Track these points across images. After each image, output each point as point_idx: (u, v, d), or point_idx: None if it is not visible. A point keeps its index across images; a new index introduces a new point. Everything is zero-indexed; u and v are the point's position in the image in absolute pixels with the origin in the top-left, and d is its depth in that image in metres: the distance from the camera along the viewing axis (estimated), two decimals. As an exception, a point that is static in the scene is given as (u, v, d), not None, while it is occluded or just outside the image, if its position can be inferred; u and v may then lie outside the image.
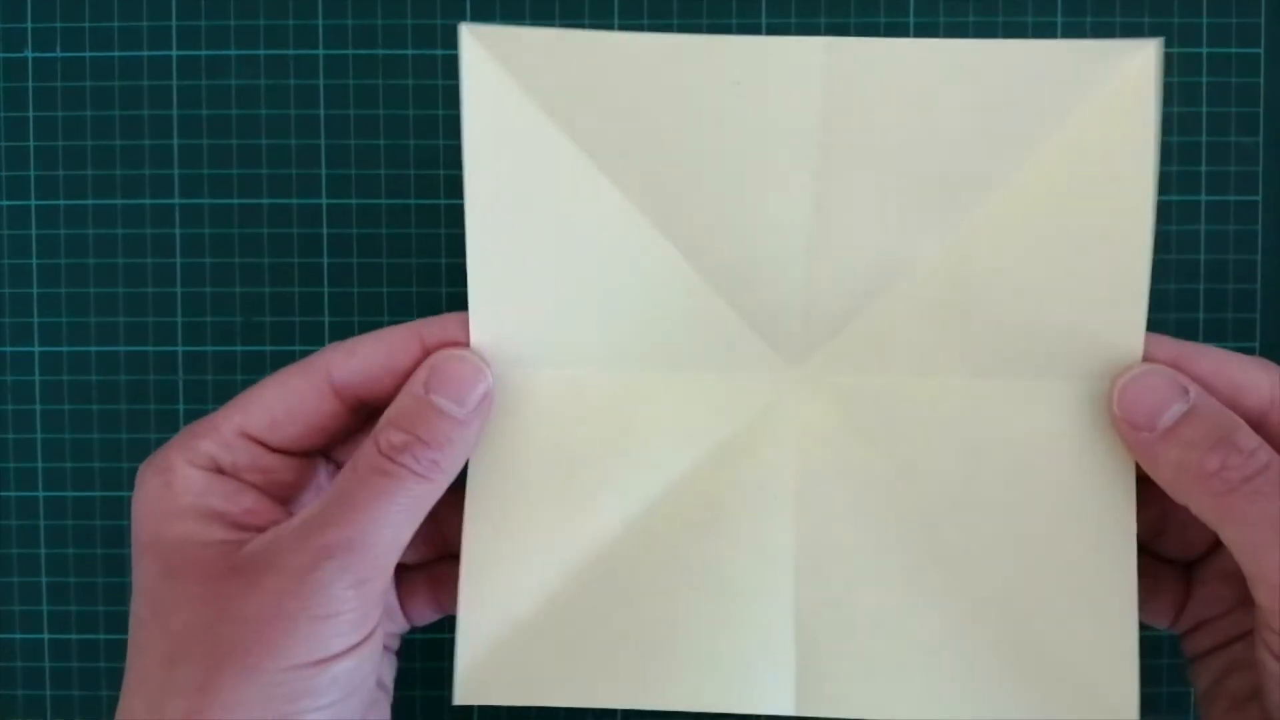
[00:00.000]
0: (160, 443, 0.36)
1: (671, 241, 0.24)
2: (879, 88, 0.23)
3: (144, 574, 0.26)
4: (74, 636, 0.37)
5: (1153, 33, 0.36)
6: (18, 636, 0.37)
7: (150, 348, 0.37)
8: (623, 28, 0.36)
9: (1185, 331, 0.36)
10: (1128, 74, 0.23)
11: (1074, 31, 0.36)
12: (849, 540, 0.24)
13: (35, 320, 0.37)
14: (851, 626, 0.24)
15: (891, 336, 0.24)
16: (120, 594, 0.37)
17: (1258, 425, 0.24)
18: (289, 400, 0.27)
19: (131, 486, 0.36)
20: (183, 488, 0.26)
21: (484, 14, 0.36)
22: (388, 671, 0.29)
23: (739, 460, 0.24)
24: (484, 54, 0.24)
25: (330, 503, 0.24)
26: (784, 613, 0.24)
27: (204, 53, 0.36)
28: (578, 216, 0.24)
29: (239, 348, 0.36)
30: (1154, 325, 0.36)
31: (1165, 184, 0.36)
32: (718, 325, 0.24)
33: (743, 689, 0.24)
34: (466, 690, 0.25)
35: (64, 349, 0.37)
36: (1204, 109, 0.36)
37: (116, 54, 0.36)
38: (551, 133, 0.24)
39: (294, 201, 0.36)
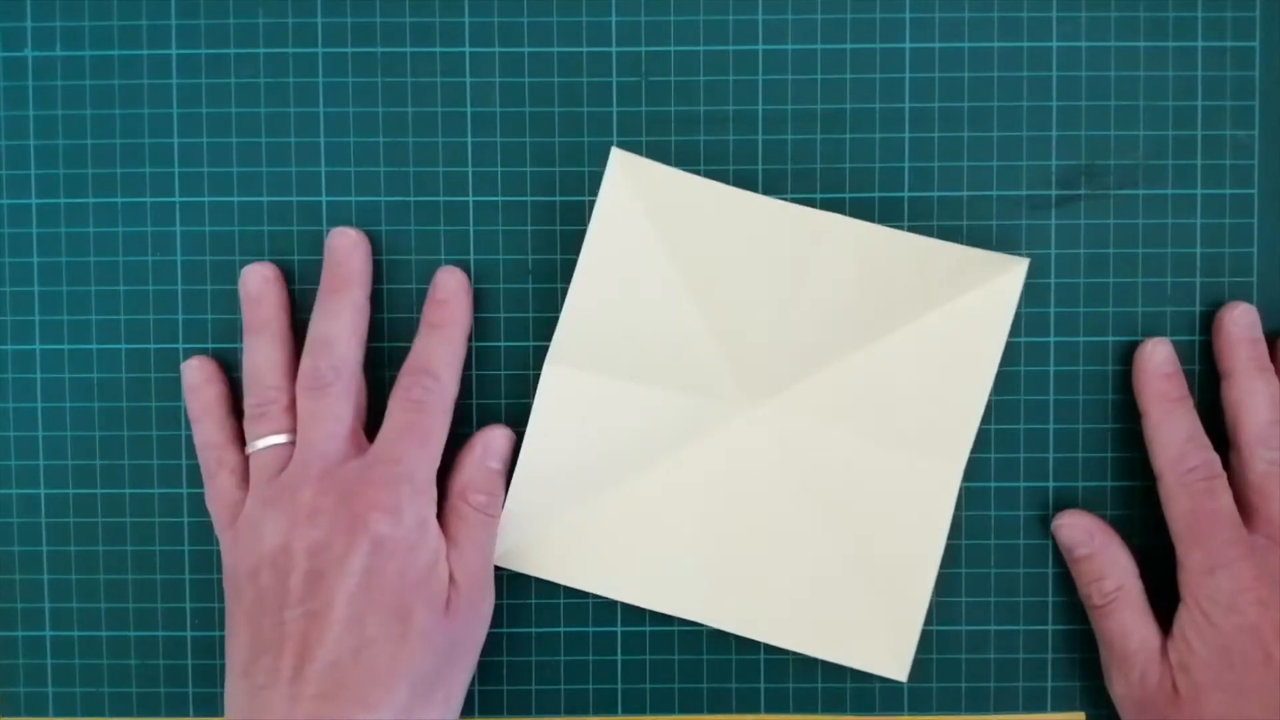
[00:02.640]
0: (162, 440, 0.37)
1: (709, 328, 0.36)
2: (845, 248, 0.35)
3: (410, 611, 0.33)
4: (76, 633, 0.37)
5: (1147, 27, 0.36)
6: (20, 634, 0.37)
7: (151, 345, 0.37)
8: (619, 22, 0.36)
9: (1181, 326, 0.36)
10: (1005, 278, 0.35)
11: (1069, 26, 0.36)
12: (765, 512, 0.36)
13: (37, 318, 0.37)
14: (741, 569, 0.36)
15: (817, 399, 0.36)
16: (121, 590, 0.37)
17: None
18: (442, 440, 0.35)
19: (132, 484, 0.37)
20: (434, 530, 0.34)
21: (483, 10, 0.36)
22: None
23: (711, 452, 0.36)
24: (622, 174, 0.35)
25: (459, 553, 0.34)
26: (712, 550, 0.36)
27: (203, 51, 0.36)
28: (650, 304, 0.36)
29: (239, 345, 0.37)
30: (1150, 318, 0.36)
31: (1161, 178, 0.36)
32: (717, 377, 0.36)
33: (676, 596, 0.36)
34: (500, 557, 0.36)
35: (65, 347, 0.37)
36: (1199, 103, 0.36)
37: (116, 52, 0.36)
38: (652, 238, 0.35)
39: (293, 199, 0.36)
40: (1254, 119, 0.36)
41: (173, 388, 0.37)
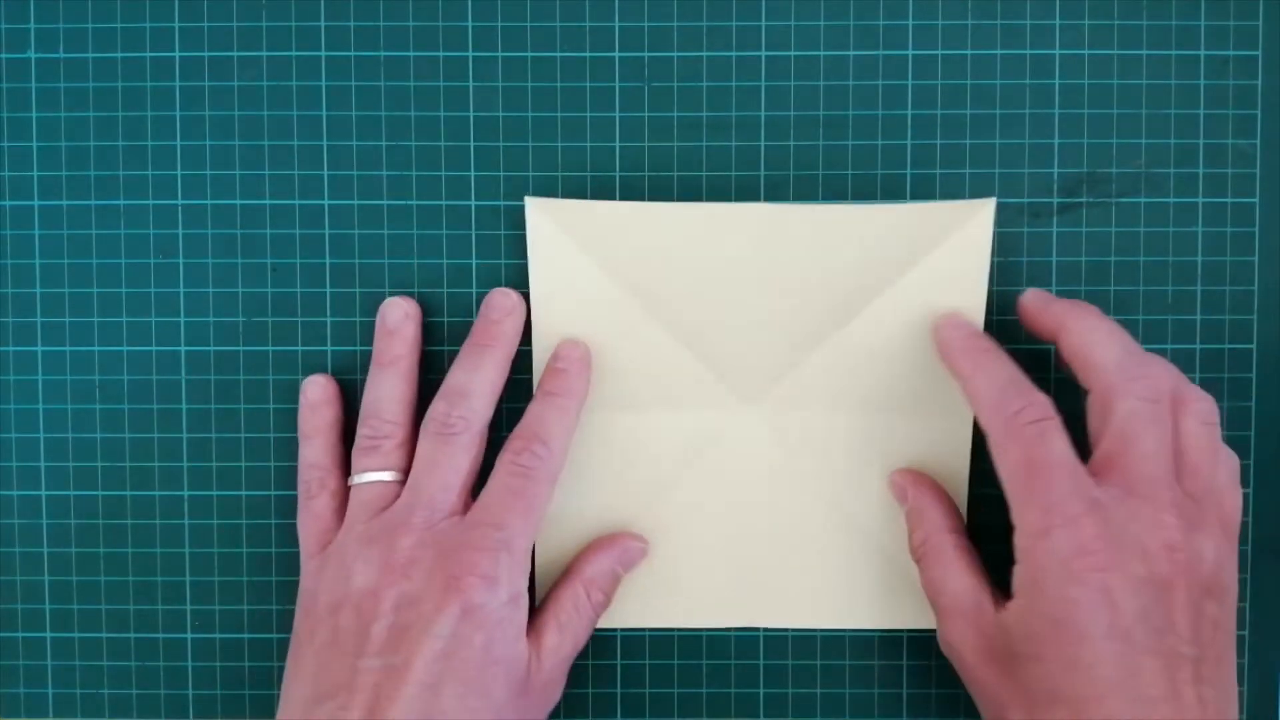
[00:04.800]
0: (163, 443, 0.37)
1: (683, 344, 0.36)
2: (801, 236, 0.35)
3: (490, 688, 0.32)
4: (76, 635, 0.37)
5: (1150, 35, 0.36)
6: (20, 635, 0.37)
7: (153, 347, 0.37)
8: (622, 28, 0.36)
9: (1182, 334, 0.37)
10: (973, 223, 0.35)
11: (1071, 34, 0.36)
12: (785, 506, 0.37)
13: (39, 320, 0.37)
14: (772, 565, 0.37)
15: (809, 387, 0.36)
16: (121, 592, 0.37)
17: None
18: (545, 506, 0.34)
19: (133, 486, 0.37)
20: (524, 607, 0.33)
21: (485, 14, 0.36)
22: None
23: (716, 464, 0.36)
24: (544, 219, 0.35)
25: (559, 638, 0.34)
26: (743, 556, 0.37)
27: (207, 54, 0.36)
28: (616, 336, 0.36)
29: (241, 347, 0.37)
30: (1151, 326, 0.36)
31: (1164, 186, 0.36)
32: (705, 388, 0.36)
33: (720, 609, 0.37)
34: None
35: (67, 349, 0.37)
36: (1201, 111, 0.36)
37: (119, 55, 0.36)
38: (595, 273, 0.35)
39: (296, 202, 0.36)
40: (1256, 128, 0.36)
41: (174, 390, 0.37)
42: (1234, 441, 0.35)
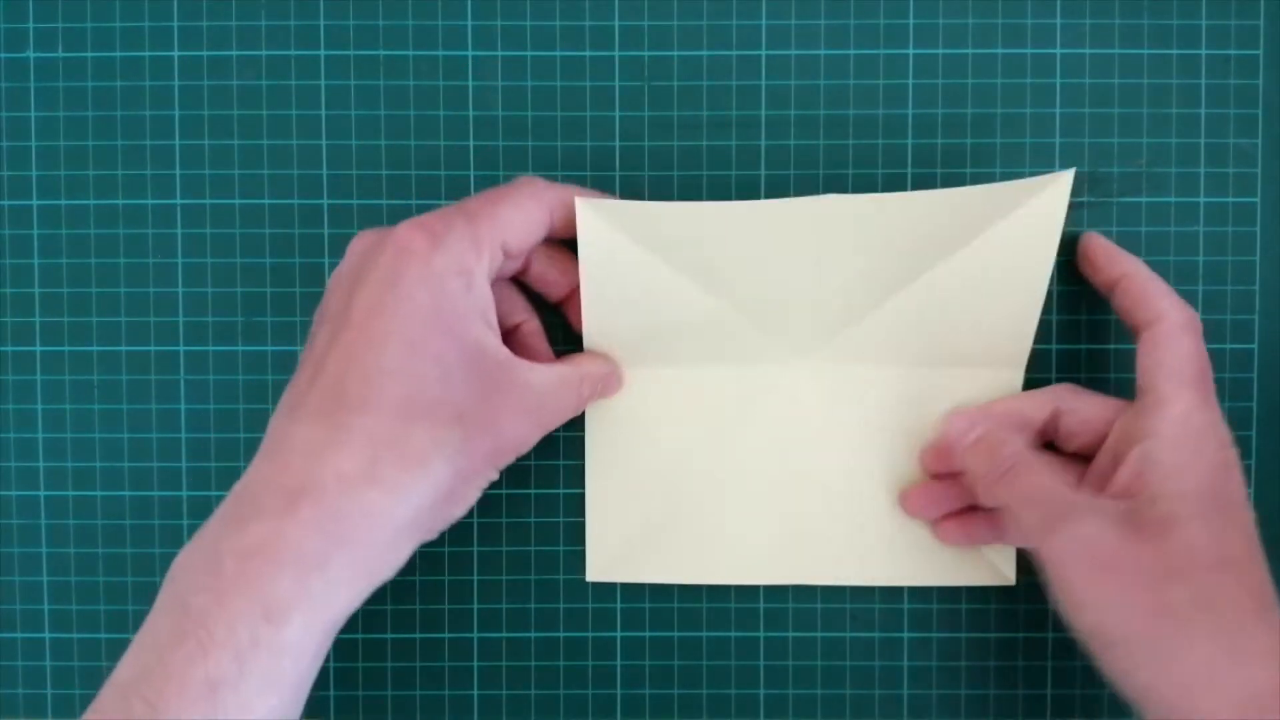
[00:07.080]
0: (161, 443, 0.37)
1: (730, 306, 0.35)
2: (865, 224, 0.33)
3: (441, 355, 0.30)
4: (75, 635, 0.37)
5: (1151, 34, 0.36)
6: (19, 635, 0.37)
7: (152, 347, 0.37)
8: (622, 26, 0.36)
9: (1184, 332, 0.36)
10: (1047, 195, 0.33)
11: (1073, 33, 0.36)
12: (838, 462, 0.37)
13: (37, 320, 0.37)
14: (822, 521, 0.37)
15: (860, 342, 0.36)
16: (120, 593, 0.37)
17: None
18: (528, 222, 0.32)
19: (131, 486, 0.37)
20: (481, 295, 0.31)
21: (485, 14, 0.36)
22: None
23: (768, 418, 0.36)
24: (595, 217, 0.33)
25: (555, 365, 0.34)
26: (796, 511, 0.37)
27: (206, 53, 0.36)
28: (670, 313, 0.35)
29: (240, 347, 0.37)
30: (1153, 326, 0.36)
31: (1165, 185, 0.36)
32: (755, 342, 0.36)
33: (772, 565, 0.37)
34: (595, 573, 0.37)
35: (65, 349, 0.37)
36: (1202, 111, 0.36)
37: (118, 54, 0.36)
38: (648, 261, 0.34)
39: (295, 202, 0.36)
40: (1257, 127, 0.36)
41: (173, 390, 0.37)
42: (1235, 441, 0.35)
